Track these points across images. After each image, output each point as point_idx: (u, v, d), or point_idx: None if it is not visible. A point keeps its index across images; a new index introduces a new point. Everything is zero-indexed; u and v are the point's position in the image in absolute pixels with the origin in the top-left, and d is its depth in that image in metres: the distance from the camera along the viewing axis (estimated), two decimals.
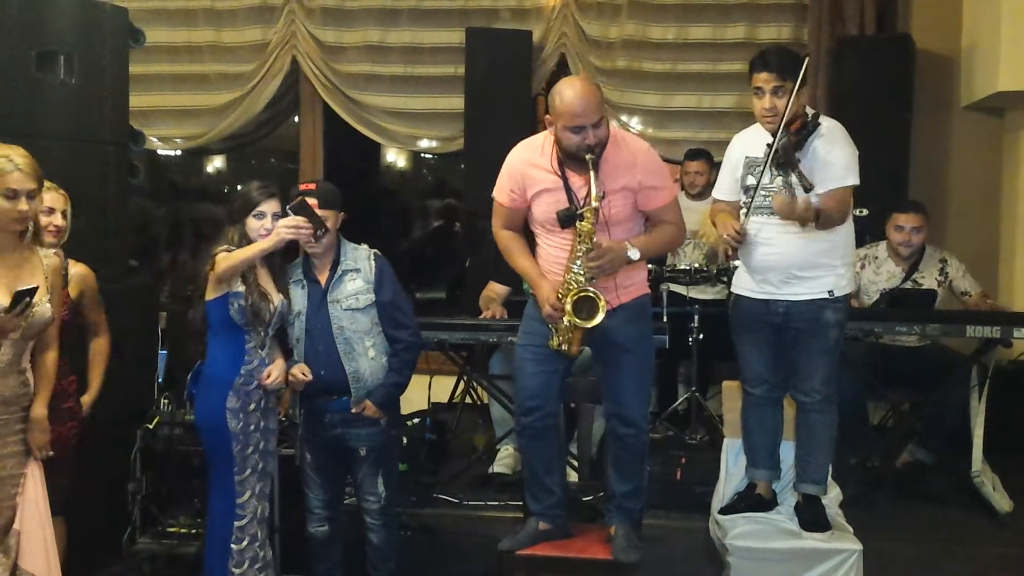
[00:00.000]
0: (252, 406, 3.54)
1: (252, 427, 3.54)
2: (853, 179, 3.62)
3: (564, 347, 3.46)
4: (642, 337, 3.60)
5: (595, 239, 3.36)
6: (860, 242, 4.85)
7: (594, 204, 3.32)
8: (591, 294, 3.38)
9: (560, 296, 3.42)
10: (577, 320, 3.39)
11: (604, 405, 3.71)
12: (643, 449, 3.66)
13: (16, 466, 3.07)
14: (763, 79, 3.61)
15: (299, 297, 3.65)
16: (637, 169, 3.46)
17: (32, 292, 2.97)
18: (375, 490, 3.68)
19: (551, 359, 3.57)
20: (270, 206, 3.57)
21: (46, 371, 3.17)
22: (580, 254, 3.38)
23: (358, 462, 3.69)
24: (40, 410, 3.13)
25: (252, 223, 3.54)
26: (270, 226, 3.52)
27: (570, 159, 3.40)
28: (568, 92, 3.34)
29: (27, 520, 3.07)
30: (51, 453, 3.18)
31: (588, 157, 3.30)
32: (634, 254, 3.41)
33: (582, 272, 3.38)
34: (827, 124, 3.65)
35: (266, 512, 3.66)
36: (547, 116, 3.43)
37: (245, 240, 3.53)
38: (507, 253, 3.64)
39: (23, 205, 2.97)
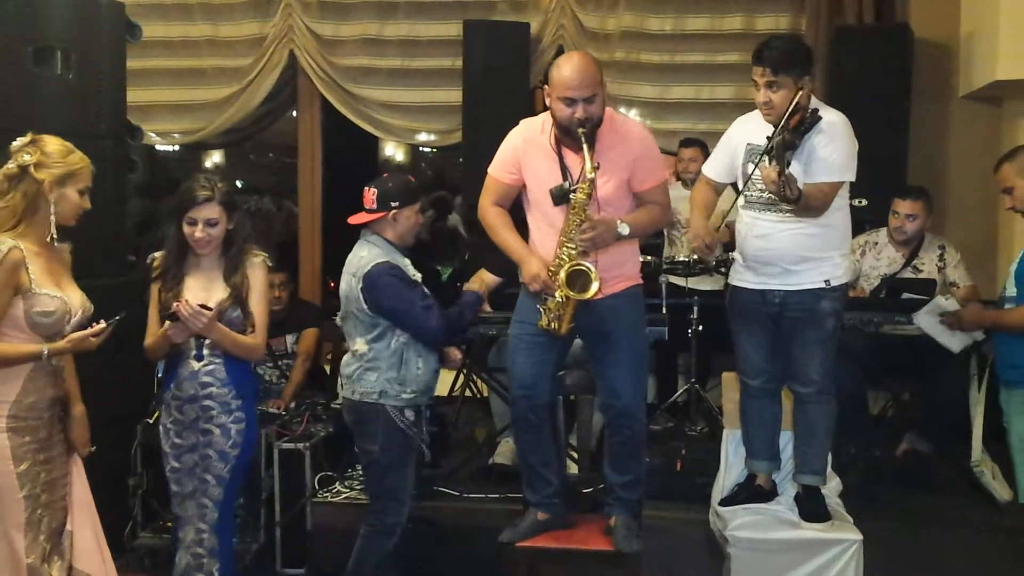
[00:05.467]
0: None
1: (184, 444, 3.40)
2: (846, 176, 3.56)
3: (554, 325, 3.46)
4: (635, 327, 3.61)
5: (588, 212, 3.37)
6: (859, 231, 4.86)
7: (589, 176, 3.33)
8: (584, 267, 3.40)
9: (551, 271, 3.43)
10: (571, 292, 3.39)
11: (599, 396, 3.72)
12: (640, 439, 3.67)
13: (63, 465, 3.08)
14: (757, 73, 3.52)
15: None
16: (631, 149, 3.50)
17: (120, 321, 3.05)
18: None
19: (544, 348, 3.58)
20: (205, 211, 3.32)
21: (73, 369, 3.17)
22: (573, 227, 3.39)
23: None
24: (81, 406, 3.15)
25: (185, 228, 3.35)
26: (202, 235, 3.31)
27: (564, 134, 3.43)
28: (565, 65, 3.41)
29: (78, 519, 3.09)
30: (93, 448, 3.20)
31: (580, 131, 3.33)
32: (624, 229, 3.45)
33: (574, 246, 3.39)
34: (828, 118, 3.52)
35: (212, 544, 3.39)
36: (545, 87, 3.47)
37: (180, 244, 3.36)
38: (493, 229, 3.63)
39: (87, 203, 3.07)
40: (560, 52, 6.22)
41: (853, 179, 3.60)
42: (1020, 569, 3.79)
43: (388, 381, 3.56)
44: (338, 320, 3.79)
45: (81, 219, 3.09)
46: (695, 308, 5.18)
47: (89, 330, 2.95)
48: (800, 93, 3.45)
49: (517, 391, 3.62)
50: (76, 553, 3.06)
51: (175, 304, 3.23)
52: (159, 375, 4.58)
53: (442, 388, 5.30)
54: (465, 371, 5.28)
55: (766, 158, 3.41)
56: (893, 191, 4.92)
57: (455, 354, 3.84)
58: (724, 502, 3.90)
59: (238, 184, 9.38)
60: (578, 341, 3.74)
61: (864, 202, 4.82)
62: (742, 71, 5.92)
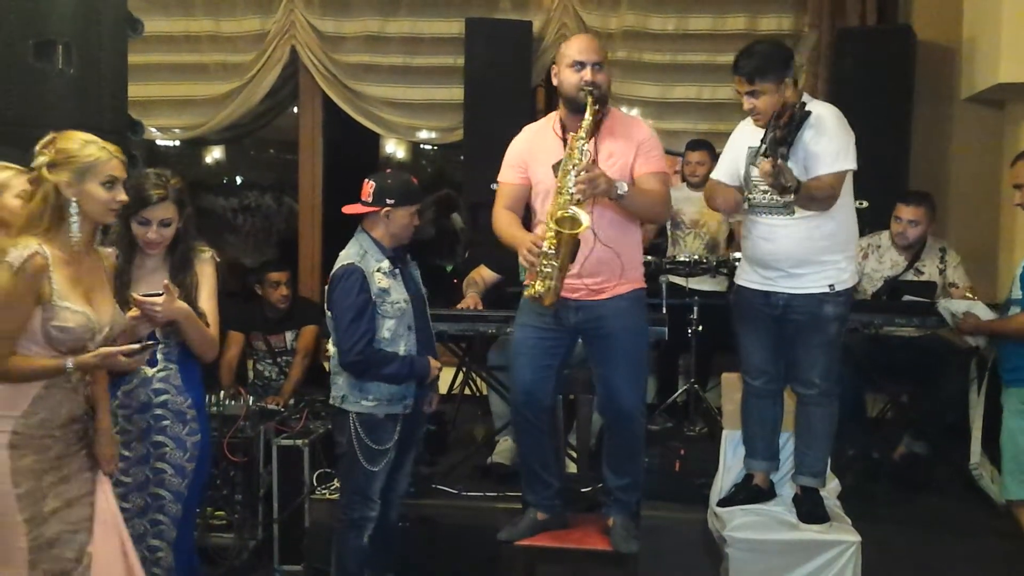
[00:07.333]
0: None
1: (132, 457, 3.22)
2: (845, 164, 3.54)
3: (540, 288, 3.34)
4: (636, 329, 3.60)
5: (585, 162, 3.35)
6: (860, 234, 4.86)
7: (587, 119, 3.35)
8: (572, 213, 3.30)
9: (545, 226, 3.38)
10: (562, 229, 3.28)
11: (598, 397, 3.71)
12: (639, 442, 3.67)
13: (84, 484, 2.85)
14: (737, 82, 3.58)
15: (400, 286, 3.61)
16: (635, 135, 3.57)
17: (157, 344, 3.01)
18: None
19: (547, 352, 3.57)
20: (159, 212, 3.15)
21: (106, 381, 3.01)
22: (571, 168, 3.35)
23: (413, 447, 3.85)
24: (107, 419, 2.95)
25: (136, 228, 3.17)
26: (155, 236, 3.16)
27: (571, 108, 3.48)
28: (572, 39, 3.61)
29: (100, 542, 2.83)
30: (119, 466, 3.07)
31: (587, 91, 3.39)
32: (622, 187, 3.40)
33: (570, 196, 3.32)
34: (817, 112, 3.51)
35: (169, 563, 3.24)
36: (552, 67, 3.57)
37: (130, 245, 3.18)
38: (501, 228, 3.60)
39: (121, 195, 2.83)
40: None
41: (854, 167, 3.58)
42: (1017, 572, 3.79)
43: (350, 386, 3.56)
44: None
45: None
46: (695, 308, 5.18)
47: (121, 348, 2.76)
48: (785, 92, 3.49)
49: (519, 395, 3.61)
50: (96, 574, 2.82)
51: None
52: None
53: (441, 387, 5.30)
54: (464, 369, 5.28)
55: (761, 157, 3.43)
56: (894, 193, 4.92)
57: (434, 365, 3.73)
58: (722, 503, 3.90)
59: (238, 179, 9.38)
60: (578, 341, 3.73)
61: (865, 204, 4.80)
62: None
